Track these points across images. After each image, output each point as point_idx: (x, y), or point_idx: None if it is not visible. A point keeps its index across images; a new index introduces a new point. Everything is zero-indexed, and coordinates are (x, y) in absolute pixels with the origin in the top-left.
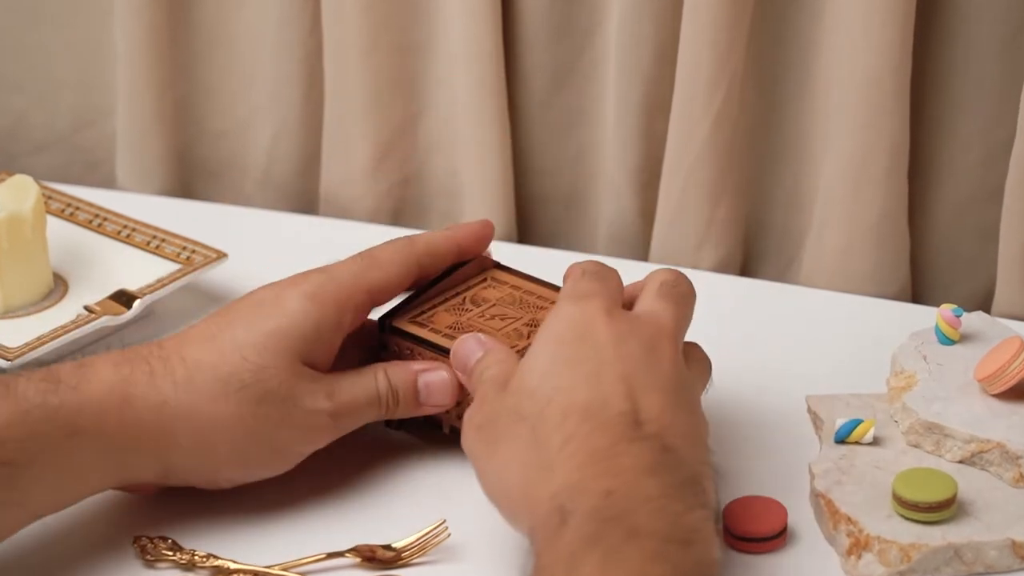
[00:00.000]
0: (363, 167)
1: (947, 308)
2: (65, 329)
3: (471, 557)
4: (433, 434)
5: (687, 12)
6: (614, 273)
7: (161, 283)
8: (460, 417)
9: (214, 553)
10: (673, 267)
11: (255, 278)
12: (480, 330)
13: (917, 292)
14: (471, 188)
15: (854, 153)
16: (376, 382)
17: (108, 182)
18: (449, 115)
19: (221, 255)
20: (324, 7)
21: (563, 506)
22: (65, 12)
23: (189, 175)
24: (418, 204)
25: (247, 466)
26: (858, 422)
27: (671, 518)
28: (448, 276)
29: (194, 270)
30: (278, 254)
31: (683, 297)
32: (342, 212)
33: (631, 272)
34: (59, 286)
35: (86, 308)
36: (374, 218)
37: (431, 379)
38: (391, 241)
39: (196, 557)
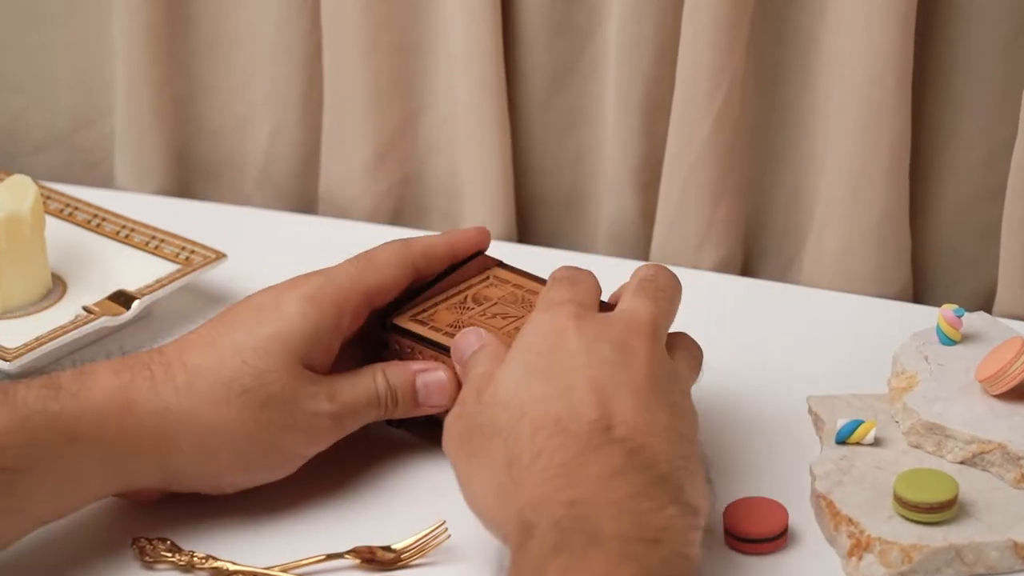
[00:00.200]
0: (362, 167)
1: (948, 308)
2: (64, 330)
3: (471, 558)
4: (433, 433)
5: (687, 12)
6: (587, 276)
7: (160, 283)
8: None
9: (213, 554)
10: (672, 267)
11: (254, 278)
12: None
13: (918, 292)
14: (471, 188)
15: (855, 153)
16: (375, 383)
17: (107, 181)
18: (449, 115)
19: (220, 255)
20: (324, 6)
21: (527, 521)
22: (64, 12)
23: (188, 174)
24: (418, 204)
25: (249, 470)
26: (859, 423)
27: (637, 518)
28: (448, 275)
29: (193, 270)
30: (277, 254)
31: (661, 291)
32: (341, 212)
33: (631, 272)
34: (58, 286)
35: (85, 309)
36: (373, 218)
37: (429, 379)
38: (387, 243)
39: (195, 558)
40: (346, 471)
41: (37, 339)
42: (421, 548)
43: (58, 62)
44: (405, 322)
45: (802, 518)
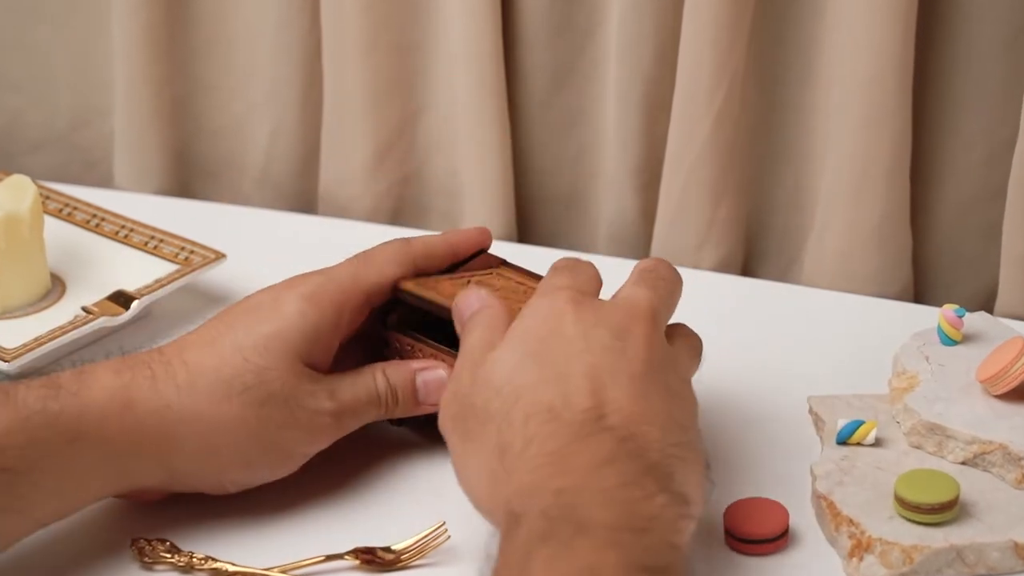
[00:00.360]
0: (362, 166)
1: (949, 308)
2: (63, 330)
3: (471, 559)
4: (434, 431)
5: (688, 11)
6: (588, 265)
7: (159, 284)
8: None
9: (212, 555)
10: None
11: (254, 278)
12: None
13: (919, 292)
14: (471, 188)
15: (856, 152)
16: (375, 381)
17: (106, 181)
18: (449, 114)
19: (219, 256)
20: (323, 6)
21: (515, 510)
22: (63, 11)
23: (187, 174)
24: (417, 204)
25: (251, 468)
26: (860, 423)
27: (626, 507)
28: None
29: (192, 271)
30: (277, 254)
31: (661, 280)
32: (341, 211)
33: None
34: (57, 287)
35: (84, 309)
36: (373, 218)
37: (429, 378)
38: (387, 243)
39: (194, 559)
40: (346, 471)
41: (36, 339)
42: (421, 549)
43: (57, 61)
44: (409, 285)
45: (803, 519)
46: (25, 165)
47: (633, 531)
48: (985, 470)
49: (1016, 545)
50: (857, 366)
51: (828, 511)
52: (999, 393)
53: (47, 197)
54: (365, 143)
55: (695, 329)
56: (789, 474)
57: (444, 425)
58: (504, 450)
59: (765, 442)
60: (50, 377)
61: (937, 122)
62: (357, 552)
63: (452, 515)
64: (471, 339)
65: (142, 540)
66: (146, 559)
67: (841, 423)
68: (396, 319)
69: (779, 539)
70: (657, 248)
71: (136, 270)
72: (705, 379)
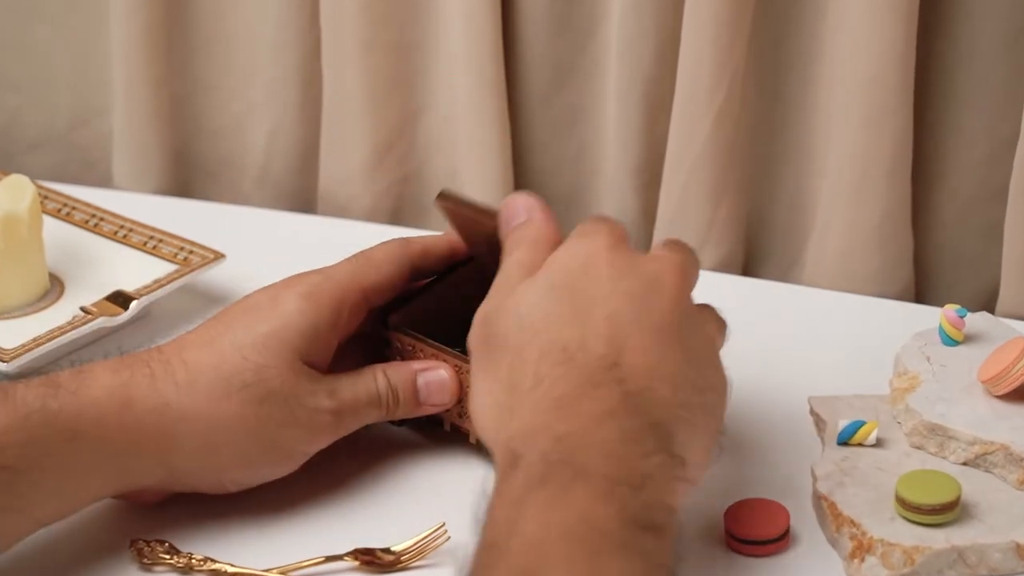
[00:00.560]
0: (361, 166)
1: (951, 308)
2: (61, 330)
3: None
4: (434, 431)
5: (688, 9)
6: (622, 224)
7: (158, 284)
8: (461, 415)
9: (211, 556)
10: None
11: (253, 278)
12: None
13: (920, 292)
14: (471, 187)
15: (857, 152)
16: (376, 382)
17: (104, 181)
18: (449, 114)
19: (219, 256)
20: (323, 5)
21: (516, 450)
22: (62, 10)
23: (186, 173)
24: (417, 203)
25: (251, 467)
26: (861, 424)
27: (624, 461)
28: (449, 274)
29: (191, 271)
30: (276, 254)
31: (689, 251)
32: (340, 211)
33: None
34: (55, 287)
35: (82, 309)
36: (372, 217)
37: (430, 378)
38: (386, 242)
39: (193, 560)
40: (345, 472)
41: (35, 340)
42: (421, 550)
43: (56, 61)
44: (449, 197)
45: (803, 520)
46: (24, 165)
47: (630, 486)
48: (987, 471)
49: (1018, 546)
50: (858, 366)
51: (829, 512)
52: (1001, 393)
53: (46, 197)
54: (364, 142)
55: None
56: (790, 475)
57: (470, 344)
58: (513, 386)
59: (766, 443)
60: (49, 376)
61: (938, 121)
62: (357, 553)
63: (452, 516)
64: (511, 259)
65: (141, 541)
66: (145, 560)
67: (842, 424)
68: (397, 319)
69: (780, 540)
70: None
71: (135, 270)
72: None
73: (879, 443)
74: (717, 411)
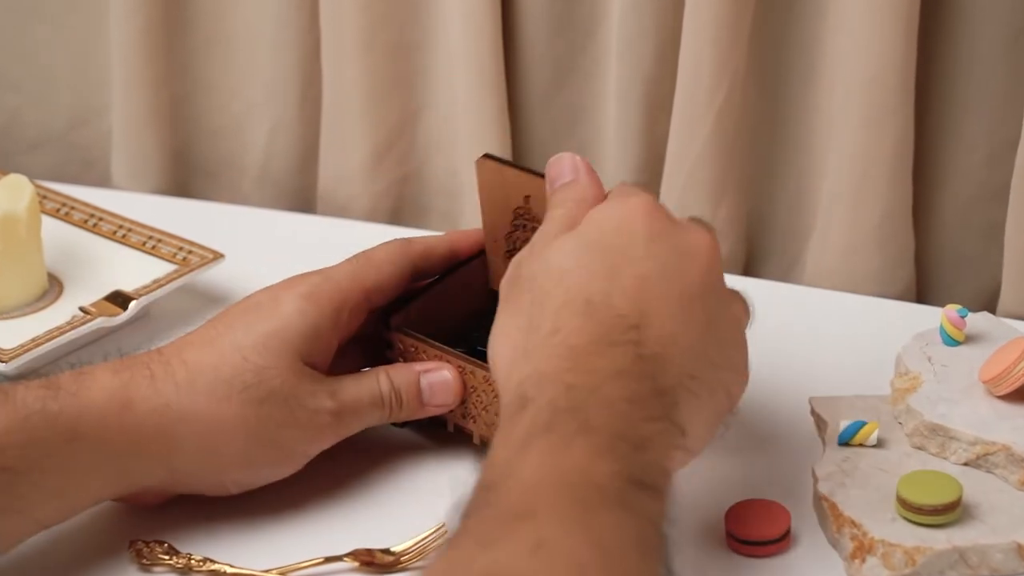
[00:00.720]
0: (361, 165)
1: (952, 308)
2: (60, 331)
3: None
4: (437, 432)
5: (688, 9)
6: None
7: (157, 284)
8: (464, 416)
9: (211, 557)
10: None
11: (252, 278)
12: None
13: (921, 292)
14: (471, 187)
15: (858, 152)
16: (378, 383)
17: (103, 180)
18: (449, 114)
19: (218, 256)
20: (322, 5)
21: (525, 394)
22: (60, 10)
23: (185, 173)
24: (417, 203)
25: (252, 467)
26: (862, 424)
27: (627, 421)
28: (450, 275)
29: (191, 271)
30: (275, 254)
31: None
32: (340, 211)
33: None
34: (54, 287)
35: (81, 309)
36: (372, 217)
37: (434, 379)
38: (387, 242)
39: (192, 561)
40: (345, 473)
41: (33, 340)
42: (421, 551)
43: (55, 61)
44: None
45: (804, 520)
46: (23, 164)
47: (631, 444)
48: (988, 471)
49: (1019, 547)
50: (859, 366)
51: (830, 512)
52: (1002, 394)
53: (44, 196)
54: (364, 142)
55: None
56: (790, 475)
57: (506, 277)
58: (531, 329)
59: (766, 443)
60: (49, 378)
61: (939, 122)
62: (356, 554)
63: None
64: (554, 215)
65: (140, 542)
66: (144, 561)
67: (843, 424)
68: (399, 320)
69: (781, 541)
70: None
71: (134, 270)
72: None
73: (880, 443)
74: (731, 390)
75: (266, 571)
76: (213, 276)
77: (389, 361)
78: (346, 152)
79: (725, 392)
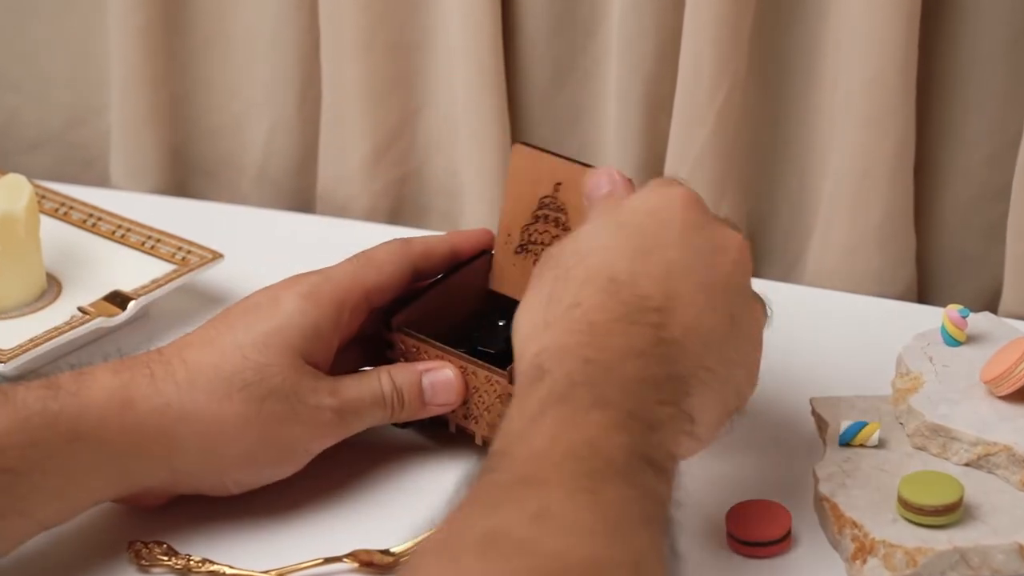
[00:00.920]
0: (360, 165)
1: (953, 308)
2: (59, 331)
3: None
4: (439, 433)
5: (689, 9)
6: None
7: (156, 284)
8: (466, 417)
9: (209, 558)
10: None
11: (251, 278)
12: None
13: (923, 292)
14: (471, 186)
15: (859, 152)
16: (380, 383)
17: (102, 180)
18: (448, 113)
19: (217, 255)
20: (321, 4)
21: (542, 365)
22: (59, 8)
23: (184, 173)
24: (416, 202)
25: (254, 467)
26: (863, 424)
27: (641, 402)
28: (452, 275)
29: (190, 271)
30: (274, 253)
31: None
32: (339, 210)
33: None
34: (52, 287)
35: (80, 309)
36: (371, 216)
37: (436, 379)
38: (387, 242)
39: (191, 562)
40: (344, 473)
41: (32, 340)
42: (412, 553)
43: (53, 59)
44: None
45: (805, 521)
46: (21, 164)
47: (643, 423)
48: (989, 472)
49: (1021, 547)
50: (860, 367)
51: (831, 513)
52: (1004, 394)
53: (43, 196)
54: (364, 142)
55: None
56: (791, 476)
57: (533, 275)
58: (554, 301)
59: (767, 444)
60: (49, 378)
61: (940, 121)
62: (355, 555)
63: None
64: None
65: (139, 543)
66: (143, 562)
67: (844, 424)
68: (400, 320)
69: (781, 542)
70: None
71: (133, 270)
72: None
73: (881, 444)
74: (741, 389)
75: (265, 572)
76: (212, 276)
77: (390, 362)
78: (345, 152)
79: (736, 390)
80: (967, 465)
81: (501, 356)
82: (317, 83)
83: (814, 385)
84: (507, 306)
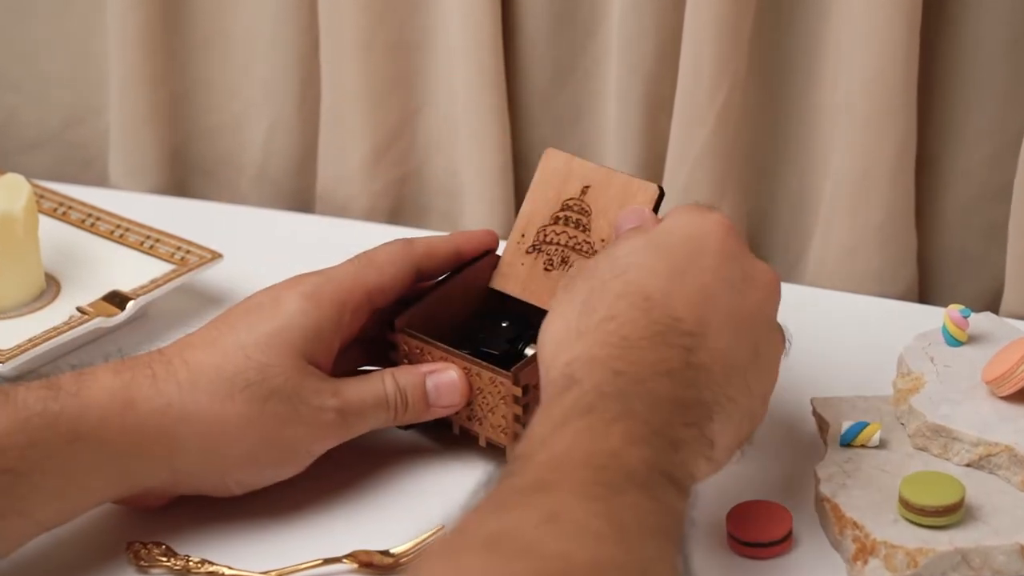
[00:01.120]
0: (360, 165)
1: (954, 308)
2: (58, 331)
3: None
4: (443, 434)
5: (689, 8)
6: None
7: (155, 284)
8: (470, 418)
9: (209, 559)
10: None
11: (251, 278)
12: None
13: (924, 292)
14: (471, 186)
15: (860, 152)
16: (384, 384)
17: (101, 180)
18: (448, 112)
19: (216, 255)
20: (321, 3)
21: (573, 375)
22: (57, 8)
23: (183, 172)
24: (416, 203)
25: (255, 467)
26: (864, 425)
27: (667, 420)
28: (455, 276)
29: (189, 271)
30: (274, 253)
31: None
32: (339, 210)
33: None
34: (51, 287)
35: (78, 309)
36: (371, 216)
37: (440, 380)
38: (389, 243)
39: (190, 563)
40: (344, 474)
41: (31, 340)
42: (419, 553)
43: (52, 59)
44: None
45: (806, 522)
46: (20, 164)
47: (667, 441)
48: (991, 472)
49: (1022, 548)
50: (861, 367)
51: (832, 514)
52: (1005, 394)
53: (42, 196)
54: (363, 141)
55: None
56: (792, 477)
57: (563, 283)
58: (587, 312)
59: (768, 444)
60: (50, 379)
61: (942, 121)
62: (355, 556)
63: (451, 519)
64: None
65: (138, 543)
66: (142, 563)
67: (845, 425)
68: (403, 321)
69: (782, 542)
70: None
71: (132, 270)
72: None
73: (882, 444)
74: (755, 419)
75: (264, 573)
76: (211, 276)
77: (393, 363)
78: (345, 151)
79: (750, 419)
80: (968, 466)
81: (505, 357)
82: (317, 83)
83: (815, 385)
84: (511, 307)
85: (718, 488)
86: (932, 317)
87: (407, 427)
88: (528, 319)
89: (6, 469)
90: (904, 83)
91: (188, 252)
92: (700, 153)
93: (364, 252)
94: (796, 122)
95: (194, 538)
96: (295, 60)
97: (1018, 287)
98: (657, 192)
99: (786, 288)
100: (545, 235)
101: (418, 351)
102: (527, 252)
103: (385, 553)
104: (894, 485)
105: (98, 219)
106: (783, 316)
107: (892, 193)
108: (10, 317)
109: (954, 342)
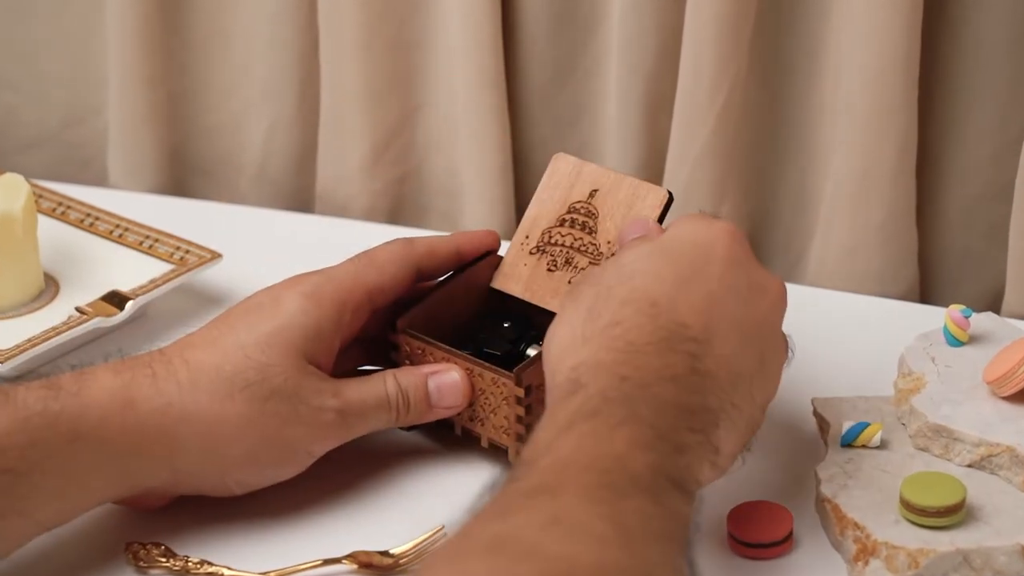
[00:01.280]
0: (360, 164)
1: (956, 309)
2: (56, 331)
3: None
4: (444, 435)
5: (690, 8)
6: None
7: (154, 284)
8: (472, 419)
9: (208, 560)
10: None
11: (250, 278)
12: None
13: (925, 292)
14: (471, 185)
15: (861, 151)
16: (385, 385)
17: (100, 179)
18: (448, 112)
19: (215, 255)
20: (320, 2)
21: (579, 379)
22: (56, 7)
23: (182, 172)
24: (416, 202)
25: (256, 467)
26: (865, 425)
27: (672, 425)
28: (457, 276)
29: (188, 271)
30: (273, 253)
31: None
32: (338, 210)
33: None
34: (50, 287)
35: (77, 309)
36: (370, 216)
37: (442, 381)
38: (390, 242)
39: (190, 564)
40: (344, 475)
41: (30, 340)
42: (419, 554)
43: (51, 59)
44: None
45: (807, 523)
46: (19, 164)
47: (672, 446)
48: (992, 473)
49: (1023, 549)
50: (862, 367)
51: (833, 514)
52: (1006, 394)
53: (40, 196)
54: (363, 141)
55: None
56: (793, 477)
57: (569, 290)
58: (593, 317)
59: (769, 445)
60: (50, 379)
61: (943, 120)
62: (355, 556)
63: (451, 520)
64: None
65: (136, 544)
66: (141, 563)
67: (846, 425)
68: (405, 322)
69: (783, 543)
70: None
71: (131, 270)
72: None
73: (883, 445)
74: (755, 426)
75: (264, 573)
76: (211, 276)
77: (394, 364)
78: (344, 151)
79: (751, 427)
80: (969, 466)
81: (507, 358)
82: (316, 82)
83: (816, 386)
84: (512, 308)
85: (719, 489)
86: (933, 317)
87: (409, 428)
88: (530, 320)
89: (6, 469)
90: (904, 83)
91: (187, 252)
92: (700, 153)
93: (364, 252)
94: (796, 122)
95: (193, 538)
96: (294, 60)
97: (1019, 287)
98: (666, 196)
99: (787, 288)
100: (550, 237)
101: (420, 352)
102: (530, 253)
103: (385, 554)
104: (895, 486)
105: (97, 219)
106: (784, 316)
107: (893, 193)
108: (9, 317)
109: (955, 342)
